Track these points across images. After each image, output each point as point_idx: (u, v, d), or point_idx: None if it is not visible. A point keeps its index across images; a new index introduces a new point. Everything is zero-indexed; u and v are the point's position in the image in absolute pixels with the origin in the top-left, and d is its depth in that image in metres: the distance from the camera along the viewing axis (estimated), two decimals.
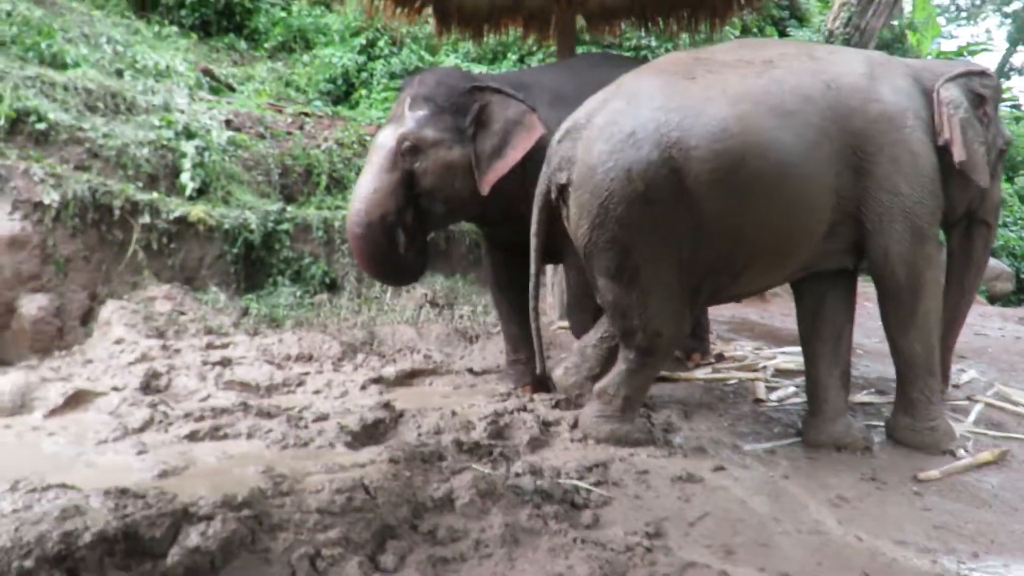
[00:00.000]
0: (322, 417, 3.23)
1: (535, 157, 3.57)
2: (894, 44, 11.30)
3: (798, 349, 4.89)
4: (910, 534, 2.54)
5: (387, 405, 3.23)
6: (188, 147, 5.71)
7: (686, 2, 6.48)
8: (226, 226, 5.43)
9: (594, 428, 3.17)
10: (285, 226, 5.77)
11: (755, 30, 11.87)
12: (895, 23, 11.75)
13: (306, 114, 7.36)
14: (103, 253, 5.02)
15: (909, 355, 3.29)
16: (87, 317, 4.84)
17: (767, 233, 3.02)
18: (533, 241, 3.21)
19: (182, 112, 6.20)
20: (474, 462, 2.79)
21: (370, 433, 3.00)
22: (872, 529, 2.55)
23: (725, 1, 6.32)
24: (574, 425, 3.30)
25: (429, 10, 6.66)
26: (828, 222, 3.08)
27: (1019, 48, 26.40)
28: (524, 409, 3.42)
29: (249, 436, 2.90)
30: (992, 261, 9.47)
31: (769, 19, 12.27)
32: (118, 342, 4.15)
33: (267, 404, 3.28)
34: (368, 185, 3.80)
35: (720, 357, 4.73)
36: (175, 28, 9.17)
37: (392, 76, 8.88)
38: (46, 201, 4.75)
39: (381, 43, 9.07)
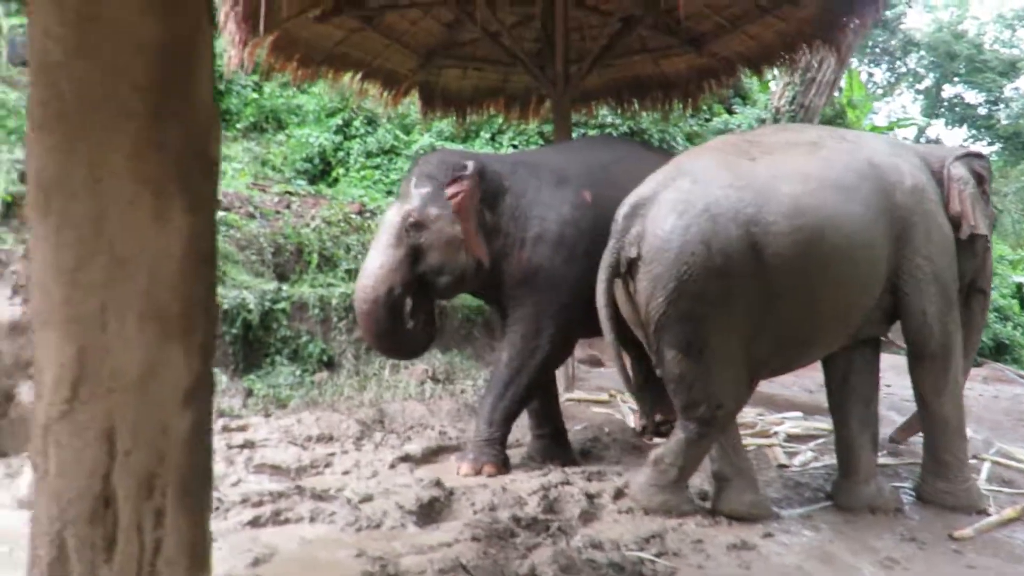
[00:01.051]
0: (367, 498, 3.21)
1: None
2: (836, 120, 12.03)
3: (799, 414, 5.11)
4: None
5: (438, 483, 3.24)
6: None
7: (658, 84, 6.87)
8: (225, 306, 5.38)
9: (646, 498, 3.22)
10: (282, 305, 5.75)
11: (704, 108, 12.45)
12: (835, 100, 12.55)
13: (291, 193, 7.41)
14: None
15: (942, 417, 3.45)
16: None
17: (837, 302, 3.20)
18: (603, 312, 3.29)
19: None
20: (535, 537, 2.82)
21: (427, 512, 3.00)
22: None
23: (697, 84, 6.73)
24: (617, 496, 3.35)
25: (415, 93, 6.92)
26: (880, 290, 3.29)
27: (932, 122, 28.27)
28: (567, 483, 3.46)
29: (312, 520, 2.85)
30: None
31: (716, 98, 12.97)
32: None
33: (316, 487, 3.24)
34: (375, 261, 3.93)
35: None
36: None
37: (369, 155, 9.03)
38: None
39: (357, 123, 9.24)
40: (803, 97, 11.63)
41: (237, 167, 8.45)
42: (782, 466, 4.01)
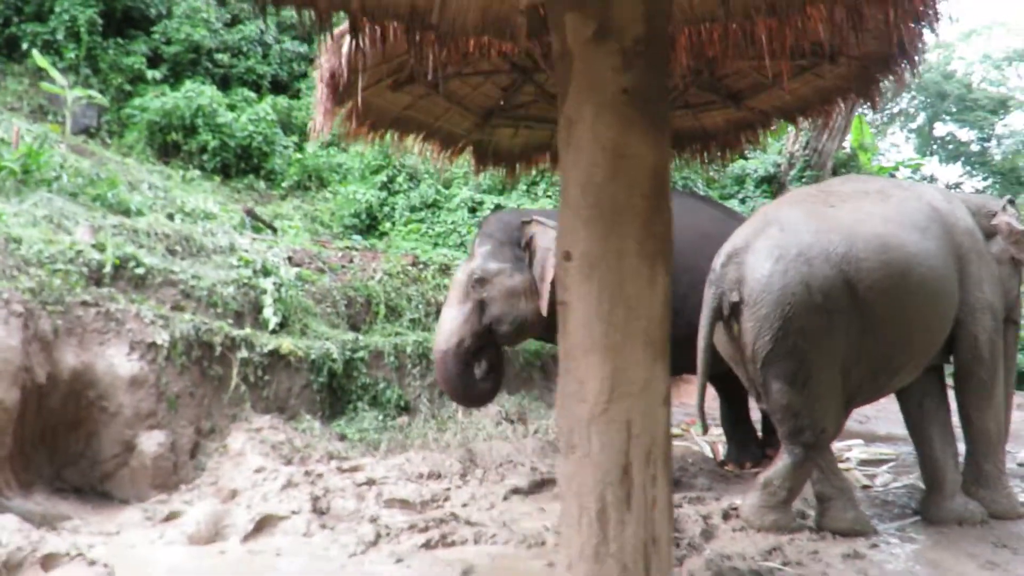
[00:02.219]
0: (511, 522, 3.53)
1: None
2: (849, 162, 12.56)
3: (861, 442, 5.43)
4: None
5: None
6: (267, 284, 6.05)
7: (698, 137, 7.32)
8: (312, 356, 5.72)
9: (758, 518, 3.53)
10: (361, 354, 6.09)
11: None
12: (845, 145, 13.10)
13: (351, 248, 7.80)
14: (205, 388, 5.23)
15: (985, 431, 3.82)
16: (195, 451, 5.01)
17: (923, 330, 3.57)
18: (702, 354, 3.64)
19: (246, 252, 6.57)
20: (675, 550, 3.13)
21: None
22: None
23: (735, 136, 7.18)
24: (726, 517, 3.66)
25: (468, 151, 7.35)
26: (952, 318, 3.67)
27: (925, 160, 29.06)
28: (678, 506, 3.76)
29: (476, 542, 3.17)
30: None
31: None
32: (259, 471, 4.34)
33: (463, 514, 3.55)
34: (446, 316, 4.46)
35: None
36: (198, 172, 9.64)
37: (413, 209, 9.46)
38: (158, 341, 4.99)
39: (400, 179, 9.69)
40: (816, 142, 12.15)
41: (287, 223, 8.87)
42: (865, 487, 4.32)
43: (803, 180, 12.51)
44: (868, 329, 3.43)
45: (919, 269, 3.47)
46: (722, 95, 6.57)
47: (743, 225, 3.77)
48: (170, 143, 9.76)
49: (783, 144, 12.74)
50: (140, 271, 5.43)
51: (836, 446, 5.32)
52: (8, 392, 3.94)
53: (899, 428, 6.00)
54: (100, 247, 5.33)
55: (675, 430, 5.70)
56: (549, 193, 10.07)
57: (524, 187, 9.98)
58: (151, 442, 4.74)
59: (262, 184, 10.06)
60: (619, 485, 1.23)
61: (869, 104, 6.02)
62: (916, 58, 5.35)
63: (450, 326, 4.41)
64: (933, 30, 4.30)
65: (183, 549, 3.37)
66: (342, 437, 5.40)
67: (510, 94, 6.69)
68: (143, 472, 4.68)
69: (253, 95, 11.00)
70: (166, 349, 5.00)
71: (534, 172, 8.74)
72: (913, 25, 4.23)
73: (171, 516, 4.18)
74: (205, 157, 9.80)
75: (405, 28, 3.06)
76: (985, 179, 26.33)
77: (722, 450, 5.24)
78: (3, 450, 4.02)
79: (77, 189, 6.63)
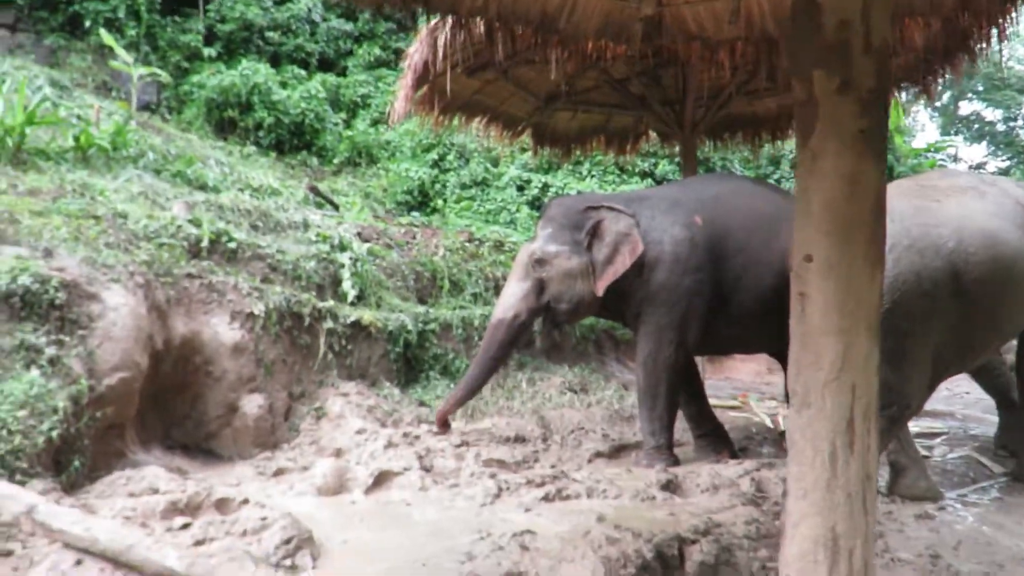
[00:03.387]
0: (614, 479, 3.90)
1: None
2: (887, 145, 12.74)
3: None
4: None
5: (668, 473, 3.91)
6: (344, 258, 6.39)
7: (749, 122, 7.59)
8: (390, 328, 6.07)
9: None
10: (432, 326, 6.44)
11: None
12: None
13: (413, 224, 8.12)
14: (295, 356, 5.59)
15: None
16: (288, 414, 5.38)
17: (1015, 319, 3.90)
18: None
19: (319, 227, 6.90)
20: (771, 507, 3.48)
21: (672, 488, 3.67)
22: None
23: (787, 121, 7.44)
24: None
25: (528, 133, 7.65)
26: None
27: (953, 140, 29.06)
28: (758, 470, 4.10)
29: (589, 496, 3.52)
30: None
31: None
32: (360, 432, 4.70)
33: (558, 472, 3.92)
34: (507, 291, 4.83)
35: None
36: (254, 148, 9.97)
37: (463, 186, 9.75)
38: (255, 311, 5.34)
39: (450, 157, 9.97)
40: None
41: (346, 199, 9.20)
42: (924, 457, 4.65)
43: None
44: (966, 317, 3.73)
45: (1021, 264, 3.78)
46: (779, 83, 6.82)
47: None
48: (227, 119, 10.07)
49: None
50: (232, 245, 5.77)
51: None
52: (141, 356, 4.30)
53: (942, 405, 6.34)
54: (196, 222, 5.66)
55: (732, 402, 6.04)
56: (593, 173, 10.35)
57: (570, 167, 10.24)
58: (252, 404, 5.10)
59: (315, 160, 10.37)
60: (845, 434, 1.55)
61: (925, 94, 6.26)
62: (978, 49, 5.57)
63: (510, 300, 4.74)
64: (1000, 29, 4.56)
65: (314, 499, 3.73)
66: (421, 403, 5.75)
67: (574, 79, 6.97)
68: (245, 432, 5.05)
69: (303, 72, 11.28)
70: (262, 319, 5.35)
71: (593, 154, 9.06)
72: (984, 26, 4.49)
73: (279, 472, 4.55)
74: (261, 134, 10.11)
75: (533, 32, 3.34)
76: (1010, 159, 26.30)
77: (782, 422, 5.57)
78: (132, 409, 4.38)
79: (159, 166, 6.96)
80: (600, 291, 4.58)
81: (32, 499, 2.61)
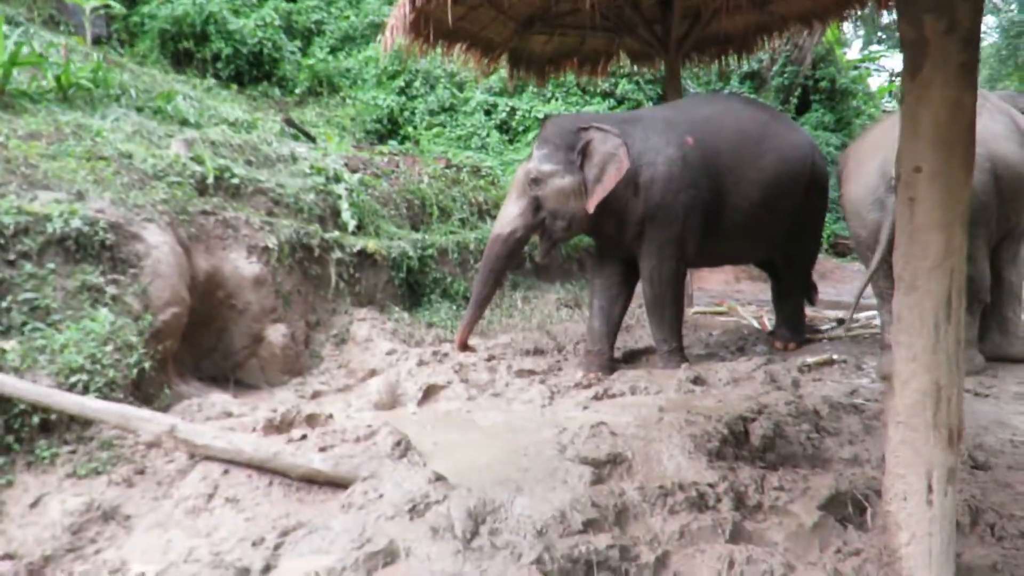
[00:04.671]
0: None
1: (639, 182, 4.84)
2: (827, 56, 13.24)
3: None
4: None
5: (692, 370, 4.35)
6: (340, 189, 6.53)
7: (716, 41, 7.87)
8: (394, 255, 6.30)
9: None
10: (430, 251, 6.69)
11: None
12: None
13: (392, 153, 8.24)
14: (307, 286, 5.79)
15: (1011, 285, 4.76)
16: (307, 341, 5.63)
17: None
18: (878, 254, 4.41)
19: (305, 159, 6.98)
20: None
21: (696, 382, 4.13)
22: None
23: (753, 39, 7.75)
24: (801, 371, 4.51)
25: (504, 58, 7.76)
26: None
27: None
28: (767, 364, 4.55)
29: (632, 393, 3.92)
30: None
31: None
32: (390, 352, 5.00)
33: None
34: (505, 208, 5.07)
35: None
36: (213, 80, 9.77)
37: (431, 113, 9.83)
38: (270, 245, 5.50)
39: (416, 83, 9.99)
40: (797, 38, 12.75)
41: (318, 131, 9.19)
42: None
43: (784, 75, 13.18)
44: (1002, 211, 4.45)
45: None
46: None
47: (886, 145, 4.49)
48: (182, 51, 9.81)
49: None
50: (235, 181, 5.85)
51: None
52: (185, 292, 4.46)
53: None
54: (199, 160, 5.72)
55: (719, 308, 6.54)
56: (556, 96, 10.52)
57: (534, 90, 10.39)
58: (277, 334, 5.32)
59: (276, 91, 10.24)
60: (944, 308, 1.93)
61: (886, 7, 6.63)
62: None
63: (507, 217, 4.99)
64: None
65: (373, 413, 4.04)
66: (430, 325, 6.05)
67: (551, 2, 7.10)
68: (273, 360, 5.29)
69: None
70: (276, 252, 5.52)
71: (565, 77, 9.21)
72: None
73: (316, 394, 4.85)
74: (219, 65, 9.90)
75: None
76: None
77: (768, 323, 6.08)
78: (176, 343, 4.57)
79: (140, 103, 6.87)
80: (591, 208, 4.78)
81: (170, 419, 2.85)
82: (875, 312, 6.40)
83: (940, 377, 1.94)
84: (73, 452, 3.00)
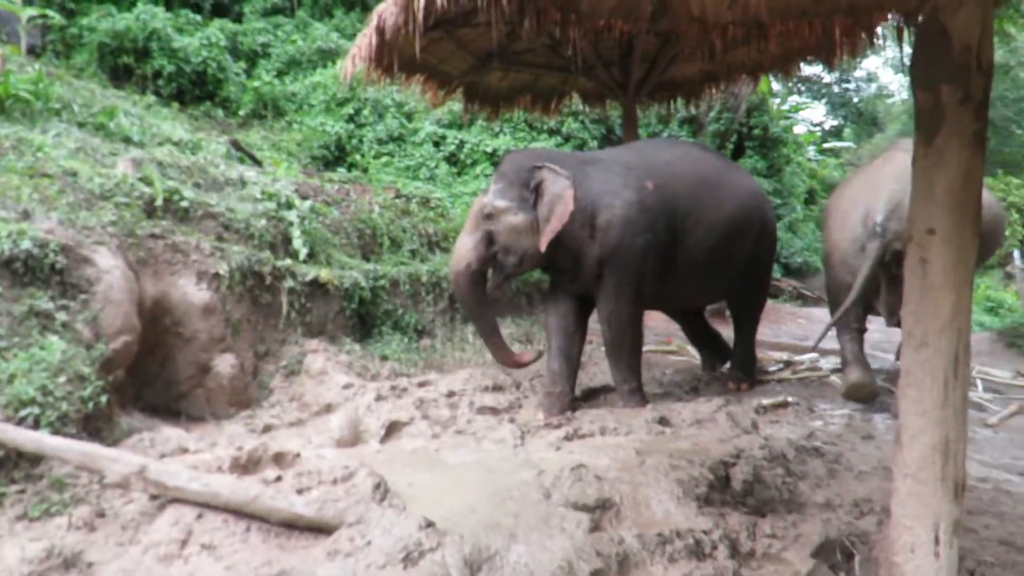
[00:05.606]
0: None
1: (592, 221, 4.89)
2: (760, 105, 13.78)
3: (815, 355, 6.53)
4: None
5: (656, 411, 4.37)
6: (292, 216, 6.38)
7: (665, 87, 8.10)
8: (346, 285, 6.18)
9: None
10: (382, 282, 6.58)
11: None
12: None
13: (342, 181, 8.12)
14: (257, 315, 5.61)
15: None
16: (255, 372, 5.44)
17: None
18: (855, 292, 4.55)
19: (255, 184, 6.81)
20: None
21: (665, 423, 4.14)
22: None
23: (701, 87, 8.01)
24: (758, 413, 4.60)
25: (460, 91, 7.81)
26: None
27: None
28: (726, 405, 4.63)
29: (602, 433, 3.90)
30: None
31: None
32: (347, 386, 4.86)
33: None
34: (460, 242, 5.06)
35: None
36: (153, 97, 9.49)
37: (380, 142, 9.76)
38: (220, 272, 5.31)
39: (366, 111, 9.92)
40: (734, 86, 13.26)
41: (263, 155, 8.99)
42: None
43: (720, 121, 13.64)
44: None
45: None
46: (704, 50, 7.33)
47: (893, 184, 4.61)
48: (122, 66, 9.50)
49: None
50: (184, 204, 5.64)
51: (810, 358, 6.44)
52: (135, 318, 4.26)
53: None
54: (147, 181, 5.51)
55: (667, 347, 6.63)
56: (504, 131, 10.60)
57: (483, 124, 10.45)
58: (225, 364, 5.11)
59: (219, 112, 10.00)
60: (952, 365, 2.00)
61: (829, 67, 6.95)
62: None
63: (461, 251, 4.97)
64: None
65: (335, 451, 3.91)
66: (384, 358, 5.94)
67: (510, 40, 7.19)
68: (220, 391, 5.06)
69: (197, 17, 10.75)
70: (226, 279, 5.32)
71: (519, 113, 9.30)
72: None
73: (267, 428, 4.68)
74: (160, 82, 9.62)
75: (559, 9, 3.56)
76: (844, 118, 28.86)
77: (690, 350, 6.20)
78: (123, 371, 4.34)
79: (82, 118, 6.60)
80: (543, 247, 4.81)
81: (138, 459, 2.68)
82: (816, 355, 6.64)
83: (949, 431, 2.01)
84: (22, 492, 2.79)
